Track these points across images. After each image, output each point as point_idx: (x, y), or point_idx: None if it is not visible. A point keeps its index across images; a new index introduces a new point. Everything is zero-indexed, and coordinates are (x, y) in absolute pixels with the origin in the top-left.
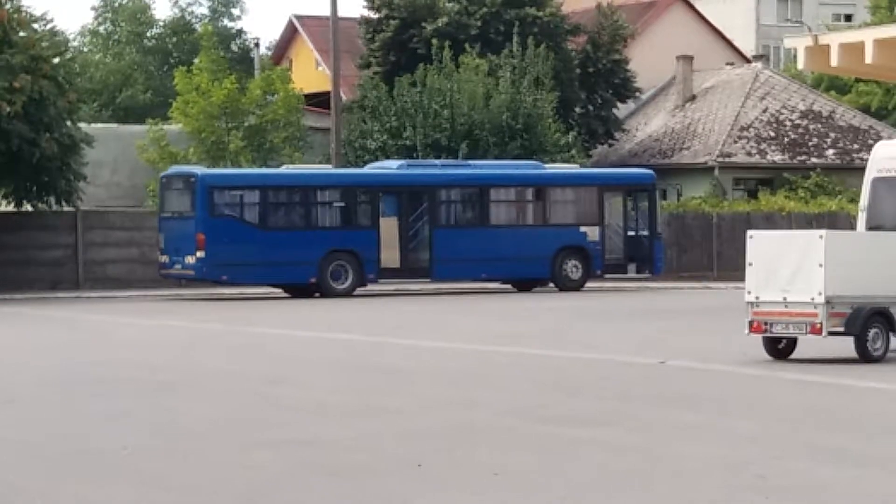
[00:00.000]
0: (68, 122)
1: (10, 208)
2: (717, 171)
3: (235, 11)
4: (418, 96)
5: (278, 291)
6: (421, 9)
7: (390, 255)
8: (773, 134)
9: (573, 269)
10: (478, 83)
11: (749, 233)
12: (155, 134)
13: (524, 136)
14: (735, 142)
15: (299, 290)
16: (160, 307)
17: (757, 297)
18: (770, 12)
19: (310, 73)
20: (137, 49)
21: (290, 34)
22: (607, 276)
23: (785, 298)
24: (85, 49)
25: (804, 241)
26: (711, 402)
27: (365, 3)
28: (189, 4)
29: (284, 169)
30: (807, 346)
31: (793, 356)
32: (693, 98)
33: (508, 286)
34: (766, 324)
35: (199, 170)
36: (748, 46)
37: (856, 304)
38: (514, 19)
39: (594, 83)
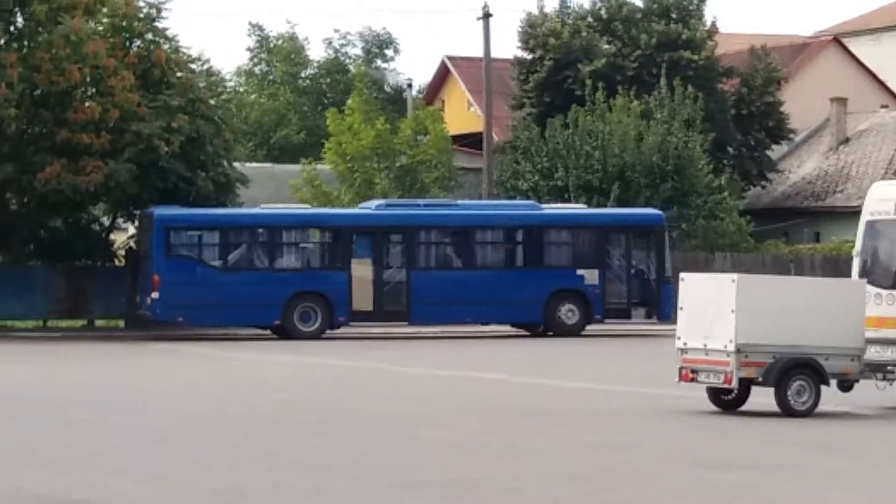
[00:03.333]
0: (224, 162)
1: None
2: None
3: (389, 52)
4: (570, 137)
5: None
6: (577, 50)
7: (363, 297)
8: None
9: (568, 313)
10: (629, 124)
11: (682, 275)
12: (308, 174)
13: (675, 178)
14: None
15: (279, 331)
16: (302, 345)
17: (685, 344)
18: None
19: (462, 113)
20: (292, 89)
21: (442, 75)
22: (608, 320)
23: (706, 345)
24: (240, 89)
25: (720, 286)
26: (856, 447)
27: (519, 44)
28: (343, 45)
29: (259, 209)
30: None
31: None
32: (847, 140)
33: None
34: (693, 371)
35: (157, 209)
36: None
37: (778, 353)
38: (667, 62)
39: (748, 125)
